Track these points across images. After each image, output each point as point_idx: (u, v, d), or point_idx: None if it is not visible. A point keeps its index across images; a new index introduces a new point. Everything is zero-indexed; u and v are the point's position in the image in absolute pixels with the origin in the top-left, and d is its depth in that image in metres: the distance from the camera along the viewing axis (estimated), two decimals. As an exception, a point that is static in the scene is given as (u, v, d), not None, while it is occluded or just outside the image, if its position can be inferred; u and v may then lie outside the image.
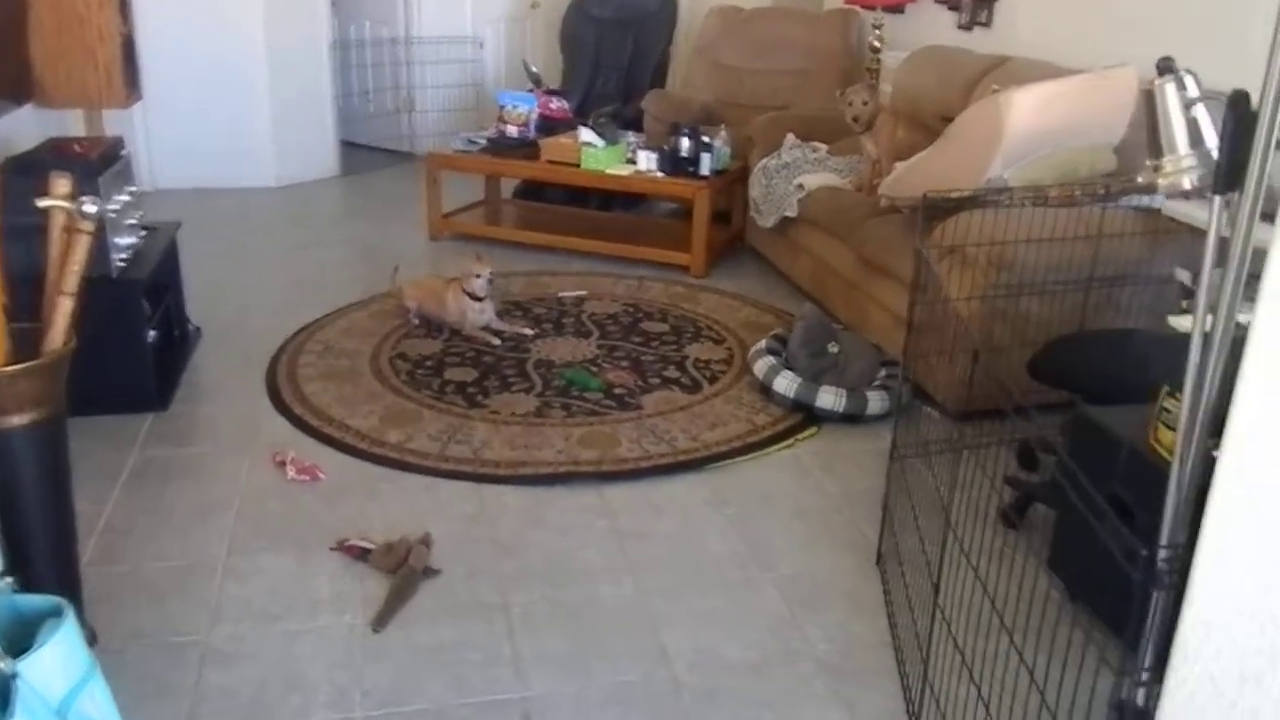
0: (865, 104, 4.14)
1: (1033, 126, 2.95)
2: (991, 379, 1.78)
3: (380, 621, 2.22)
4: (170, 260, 3.55)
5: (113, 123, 4.88)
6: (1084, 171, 3.18)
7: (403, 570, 2.35)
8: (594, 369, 3.54)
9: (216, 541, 2.50)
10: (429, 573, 2.39)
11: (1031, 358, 2.68)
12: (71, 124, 4.18)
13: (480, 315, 3.79)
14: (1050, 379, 2.65)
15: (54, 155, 2.98)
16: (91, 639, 2.12)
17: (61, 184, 1.88)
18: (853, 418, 3.21)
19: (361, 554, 2.44)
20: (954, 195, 3.07)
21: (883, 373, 3.42)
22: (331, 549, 2.47)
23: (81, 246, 1.87)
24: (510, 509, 2.70)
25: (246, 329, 3.84)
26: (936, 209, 3.11)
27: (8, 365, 1.83)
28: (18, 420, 1.87)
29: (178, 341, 3.62)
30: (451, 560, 2.45)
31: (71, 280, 1.88)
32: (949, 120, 4.40)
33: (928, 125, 4.54)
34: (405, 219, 5.43)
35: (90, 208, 1.87)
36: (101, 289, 3.00)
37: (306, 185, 6.23)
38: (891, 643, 2.23)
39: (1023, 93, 2.91)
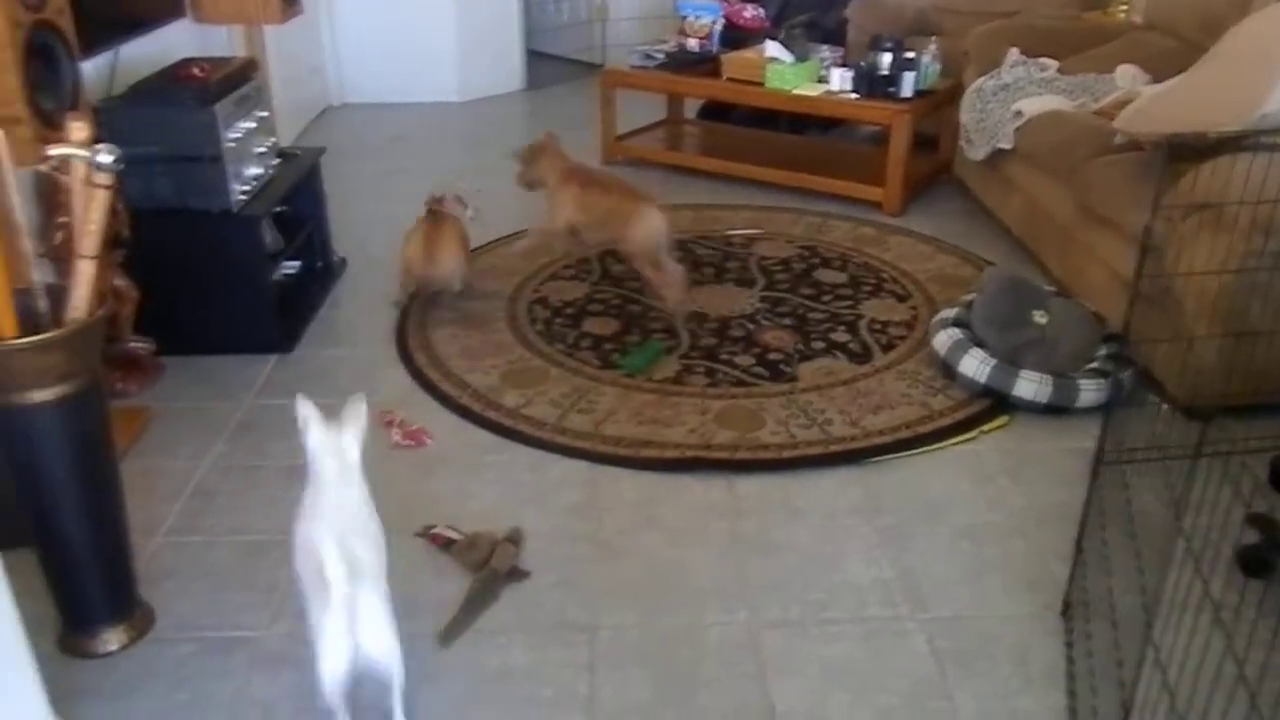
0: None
1: (1334, 45, 2.21)
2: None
3: (449, 635, 1.93)
4: (310, 188, 3.36)
5: (299, 38, 4.80)
6: (1401, 104, 2.40)
7: (484, 572, 2.05)
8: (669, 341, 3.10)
9: (301, 515, 2.29)
10: (516, 574, 2.08)
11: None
12: (237, 40, 4.06)
13: None
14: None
15: (171, 81, 2.79)
16: (146, 624, 1.95)
17: (77, 129, 1.62)
18: (1058, 409, 2.63)
19: (446, 544, 2.16)
20: (1211, 135, 2.39)
21: (1103, 351, 2.79)
22: (416, 534, 2.21)
23: (98, 203, 1.62)
24: (623, 500, 2.34)
25: (394, 262, 3.62)
26: (1186, 152, 2.43)
27: (20, 338, 1.62)
28: (40, 396, 1.67)
29: (319, 275, 3.46)
30: (544, 561, 2.13)
31: (89, 242, 1.63)
32: (1215, 35, 3.58)
33: (1187, 39, 3.72)
34: (586, 140, 5.06)
35: (106, 157, 1.60)
36: (218, 222, 2.84)
37: (489, 100, 5.97)
38: (1068, 731, 1.74)
39: (1323, -1, 2.17)
